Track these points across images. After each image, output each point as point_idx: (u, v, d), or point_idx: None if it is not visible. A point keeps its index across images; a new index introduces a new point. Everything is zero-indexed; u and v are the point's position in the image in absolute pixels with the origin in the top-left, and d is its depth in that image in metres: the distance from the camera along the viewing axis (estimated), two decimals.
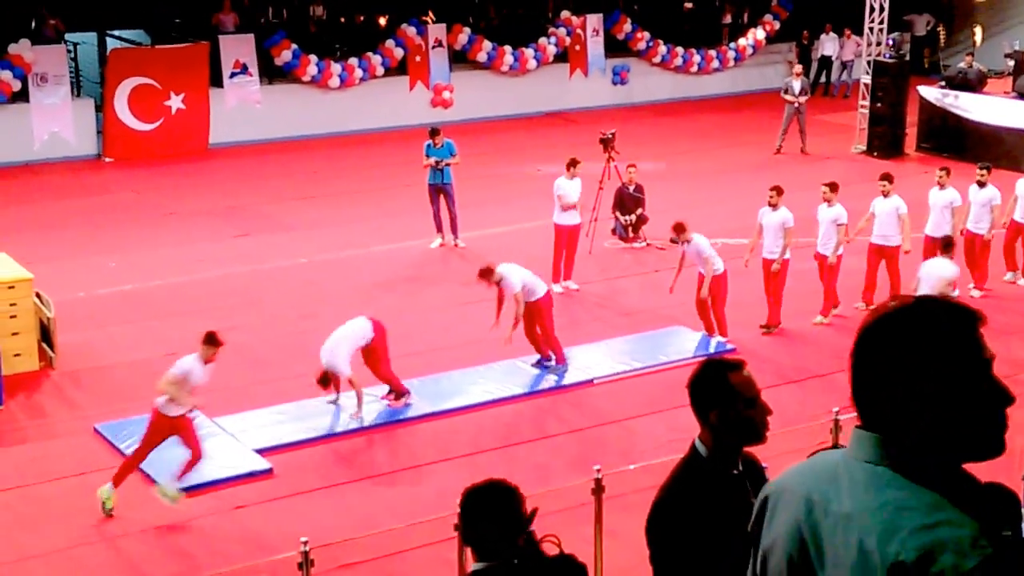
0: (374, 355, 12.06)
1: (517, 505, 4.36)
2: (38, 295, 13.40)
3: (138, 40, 24.71)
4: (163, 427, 10.24)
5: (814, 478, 2.45)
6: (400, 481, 10.66)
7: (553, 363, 13.14)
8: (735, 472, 4.23)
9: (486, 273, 12.88)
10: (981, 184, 15.26)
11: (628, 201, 17.59)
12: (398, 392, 12.25)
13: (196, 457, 10.28)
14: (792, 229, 14.00)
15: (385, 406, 12.25)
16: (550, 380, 13.03)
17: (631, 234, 17.60)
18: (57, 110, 22.23)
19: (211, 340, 10.44)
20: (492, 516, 4.32)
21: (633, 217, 17.54)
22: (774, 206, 14.12)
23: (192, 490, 10.62)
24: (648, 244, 17.48)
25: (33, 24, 22.71)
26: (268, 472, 10.97)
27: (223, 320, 14.49)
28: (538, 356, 13.19)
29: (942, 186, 15.06)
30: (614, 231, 17.71)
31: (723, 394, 4.09)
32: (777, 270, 14.00)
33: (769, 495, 2.55)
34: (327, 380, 11.97)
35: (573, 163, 15.61)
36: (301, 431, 11.73)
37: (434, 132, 17.25)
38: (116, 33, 24.51)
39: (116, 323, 14.51)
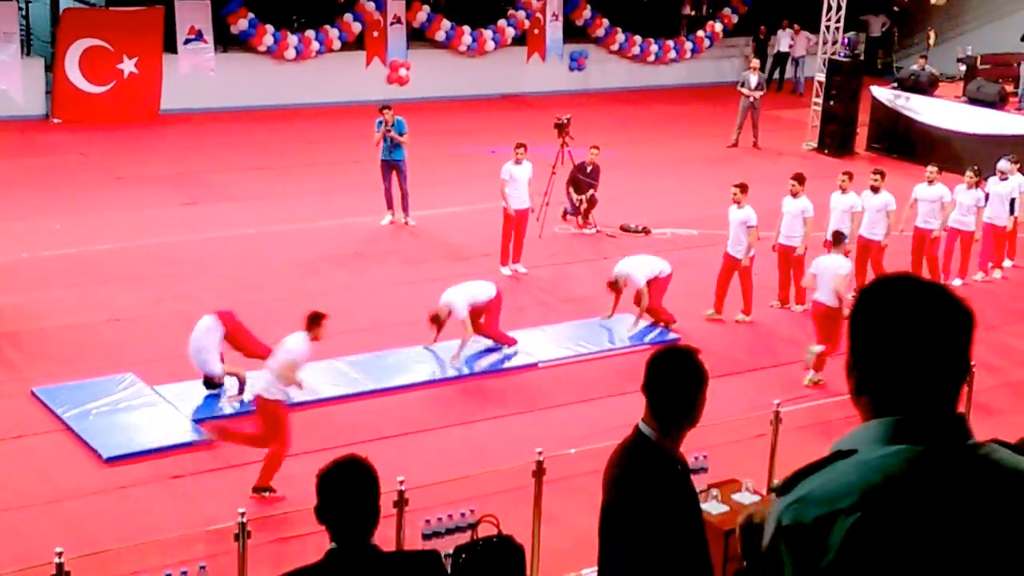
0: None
1: (376, 486, 4.03)
2: None
3: (92, 1, 24.35)
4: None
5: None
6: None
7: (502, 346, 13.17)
8: (679, 466, 4.32)
9: (434, 319, 12.79)
10: (875, 190, 15.01)
11: (582, 181, 17.56)
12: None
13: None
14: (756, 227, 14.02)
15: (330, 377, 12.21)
16: (495, 362, 13.04)
17: (581, 210, 17.55)
18: (6, 67, 21.84)
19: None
20: (358, 497, 3.99)
21: (584, 199, 17.50)
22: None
23: (129, 458, 10.55)
24: (598, 231, 17.52)
25: None
26: (207, 443, 10.89)
27: (167, 288, 14.40)
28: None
29: (844, 191, 14.88)
30: (565, 214, 17.69)
31: (699, 379, 4.21)
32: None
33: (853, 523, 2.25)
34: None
35: (519, 147, 15.60)
36: (241, 402, 11.64)
37: (384, 108, 17.15)
38: None
39: (59, 286, 14.32)
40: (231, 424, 10.47)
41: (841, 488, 2.25)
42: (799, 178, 14.70)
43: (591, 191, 17.53)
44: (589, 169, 17.58)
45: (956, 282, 15.49)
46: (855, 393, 2.39)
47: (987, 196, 16.12)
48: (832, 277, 12.69)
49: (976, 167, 16.19)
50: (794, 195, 14.57)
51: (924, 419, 2.30)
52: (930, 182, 15.65)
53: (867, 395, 2.36)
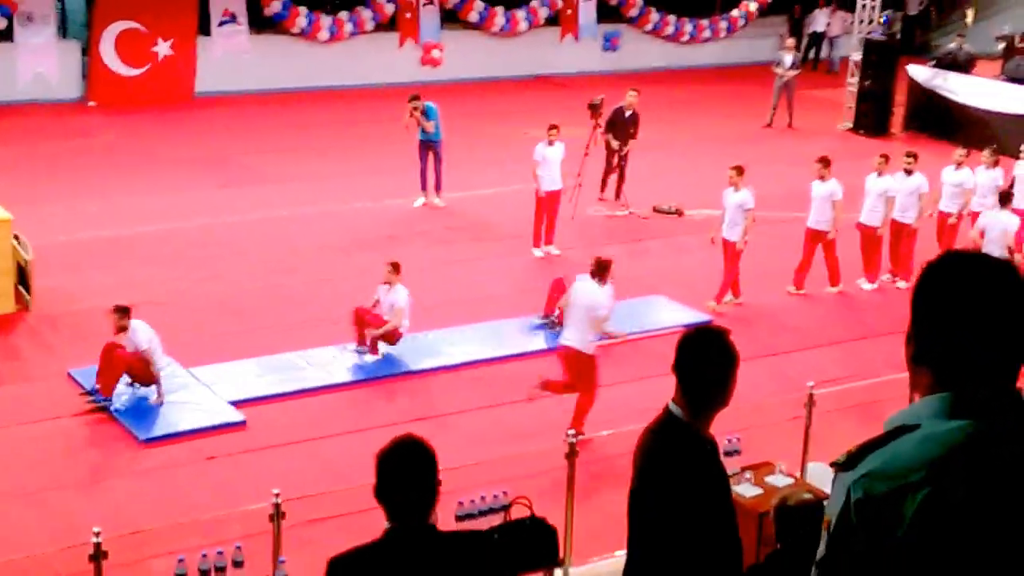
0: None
1: (434, 466, 4.11)
2: (16, 237, 13.31)
3: None
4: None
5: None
6: (374, 438, 10.63)
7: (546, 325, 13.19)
8: (708, 446, 4.30)
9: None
10: (908, 172, 14.73)
11: (620, 124, 17.55)
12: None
13: None
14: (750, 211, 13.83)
15: (364, 360, 12.26)
16: (531, 343, 13.03)
17: (618, 157, 17.51)
18: (42, 50, 22.02)
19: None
20: (411, 475, 4.00)
21: (625, 149, 17.46)
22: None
23: (165, 439, 10.63)
24: (631, 212, 17.47)
25: None
26: (242, 424, 10.96)
27: (202, 270, 14.49)
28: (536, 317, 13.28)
29: (880, 173, 14.65)
30: (603, 186, 17.62)
31: (730, 360, 4.19)
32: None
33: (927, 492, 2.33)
34: None
35: (552, 128, 15.56)
36: (276, 384, 11.72)
37: (414, 98, 17.11)
38: None
39: (95, 268, 14.43)
40: (549, 378, 11.12)
41: (909, 463, 2.33)
42: (824, 161, 14.41)
43: (632, 140, 17.52)
44: (628, 114, 17.55)
45: None
46: (914, 360, 2.47)
47: (1013, 180, 15.85)
48: (1002, 234, 13.80)
49: (995, 146, 15.85)
50: (821, 179, 14.35)
51: (983, 394, 2.38)
52: (958, 165, 15.26)
53: (926, 364, 2.44)
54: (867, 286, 14.91)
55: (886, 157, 14.92)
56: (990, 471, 2.32)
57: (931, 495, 2.29)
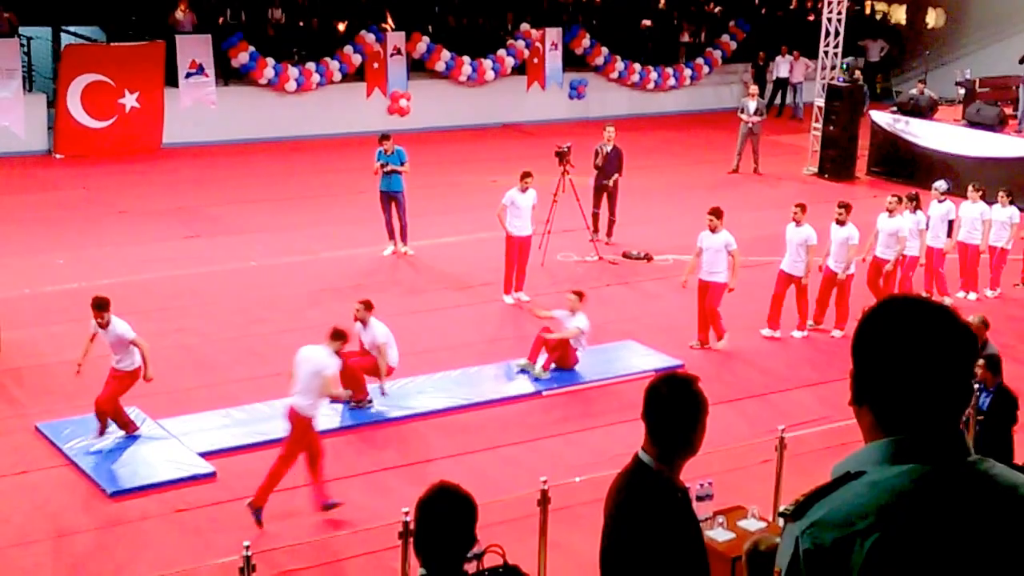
0: None
1: (474, 514, 4.20)
2: None
3: (93, 37, 24.47)
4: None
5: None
6: (344, 488, 10.61)
7: (536, 370, 13.25)
8: (679, 493, 4.29)
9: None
10: (840, 223, 14.69)
11: (604, 161, 17.96)
12: None
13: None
14: (735, 252, 14.02)
15: (337, 408, 12.21)
16: (499, 391, 13.02)
17: (608, 188, 17.95)
18: (8, 104, 21.95)
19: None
20: (450, 524, 4.17)
21: (610, 183, 17.87)
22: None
23: (134, 492, 10.53)
24: (600, 259, 17.54)
25: None
26: (211, 476, 10.87)
27: (171, 321, 14.41)
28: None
29: (798, 223, 14.54)
30: (594, 230, 17.88)
31: (698, 407, 4.16)
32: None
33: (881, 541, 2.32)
34: None
35: (526, 176, 15.67)
36: (246, 435, 11.63)
37: (384, 137, 17.23)
38: (71, 29, 24.27)
39: (61, 321, 14.31)
40: None
41: (856, 510, 2.32)
42: (716, 212, 14.26)
43: (617, 175, 17.96)
44: (609, 149, 17.99)
45: None
46: (856, 402, 2.48)
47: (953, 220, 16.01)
48: None
49: (914, 192, 15.81)
50: (712, 230, 14.17)
51: (926, 438, 2.38)
52: (890, 212, 15.17)
53: (869, 406, 2.44)
54: (797, 334, 14.88)
55: (802, 206, 14.77)
56: (936, 515, 2.31)
57: (879, 541, 2.28)
